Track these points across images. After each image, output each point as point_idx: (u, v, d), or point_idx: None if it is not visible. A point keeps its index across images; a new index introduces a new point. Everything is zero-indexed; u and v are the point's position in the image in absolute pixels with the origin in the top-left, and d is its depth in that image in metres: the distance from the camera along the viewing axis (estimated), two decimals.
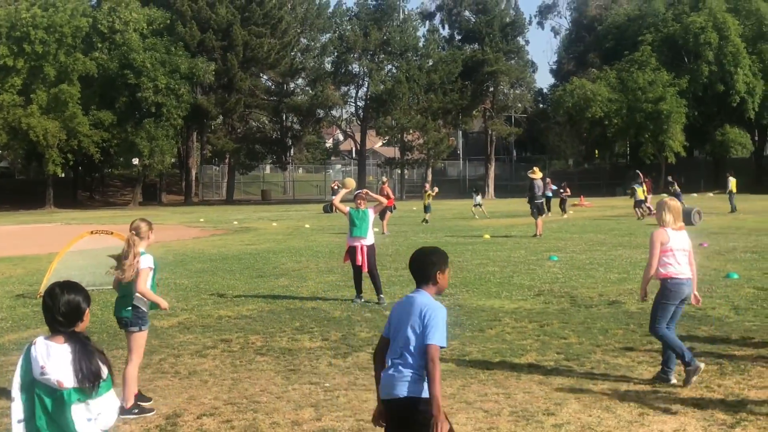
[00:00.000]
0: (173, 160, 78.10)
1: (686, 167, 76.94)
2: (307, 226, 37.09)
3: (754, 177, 75.50)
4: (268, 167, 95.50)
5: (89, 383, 4.09)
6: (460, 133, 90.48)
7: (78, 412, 4.11)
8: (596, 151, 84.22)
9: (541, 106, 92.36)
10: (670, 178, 47.71)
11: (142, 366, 9.70)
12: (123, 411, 8.02)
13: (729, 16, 71.92)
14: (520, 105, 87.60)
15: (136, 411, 8.06)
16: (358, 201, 14.37)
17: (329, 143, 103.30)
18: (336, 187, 56.19)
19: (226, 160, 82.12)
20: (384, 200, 16.04)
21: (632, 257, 20.18)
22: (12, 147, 67.43)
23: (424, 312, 4.98)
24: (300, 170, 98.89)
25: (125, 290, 8.25)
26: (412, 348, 4.94)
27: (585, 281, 15.91)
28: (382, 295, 14.08)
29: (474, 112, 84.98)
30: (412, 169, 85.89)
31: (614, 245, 23.53)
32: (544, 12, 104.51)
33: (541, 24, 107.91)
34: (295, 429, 7.45)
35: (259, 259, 22.09)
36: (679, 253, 8.91)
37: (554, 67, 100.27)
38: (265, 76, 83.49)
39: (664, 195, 41.53)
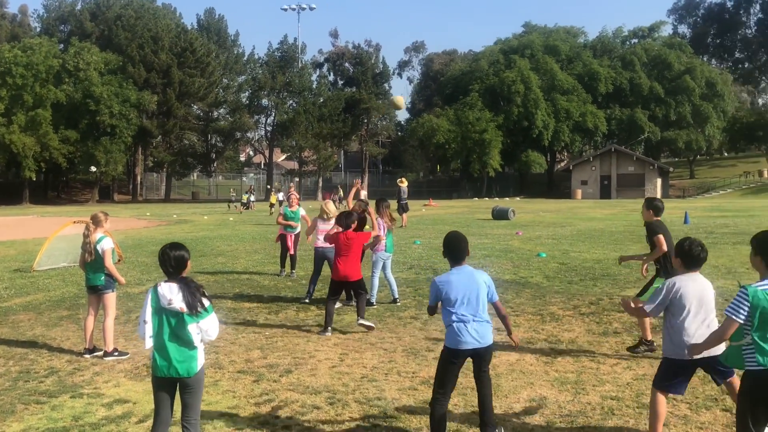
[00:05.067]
0: (123, 168, 75.24)
1: (501, 179, 79.08)
2: (231, 219, 36.48)
3: (546, 187, 78.55)
4: (196, 174, 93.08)
5: (194, 310, 4.50)
6: (342, 151, 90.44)
7: (192, 327, 4.53)
8: (438, 167, 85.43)
9: (400, 134, 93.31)
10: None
11: (122, 321, 9.50)
12: (105, 354, 7.85)
13: (532, 74, 74.03)
14: (385, 133, 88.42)
15: (116, 354, 7.90)
16: (291, 201, 14.40)
17: (243, 157, 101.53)
18: (273, 189, 55.34)
19: (165, 169, 79.66)
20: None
21: (470, 241, 20.60)
22: None
23: (486, 279, 5.29)
24: (220, 177, 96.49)
25: (91, 266, 8.02)
26: (483, 305, 5.16)
27: (442, 257, 16.29)
28: (294, 270, 14.10)
29: (353, 137, 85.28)
30: (307, 177, 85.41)
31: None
32: (402, 66, 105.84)
33: (400, 74, 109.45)
34: (248, 364, 7.47)
35: (198, 243, 21.56)
36: (321, 233, 10.75)
37: (409, 106, 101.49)
38: (195, 106, 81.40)
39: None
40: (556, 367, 7.20)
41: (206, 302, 4.56)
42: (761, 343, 4.20)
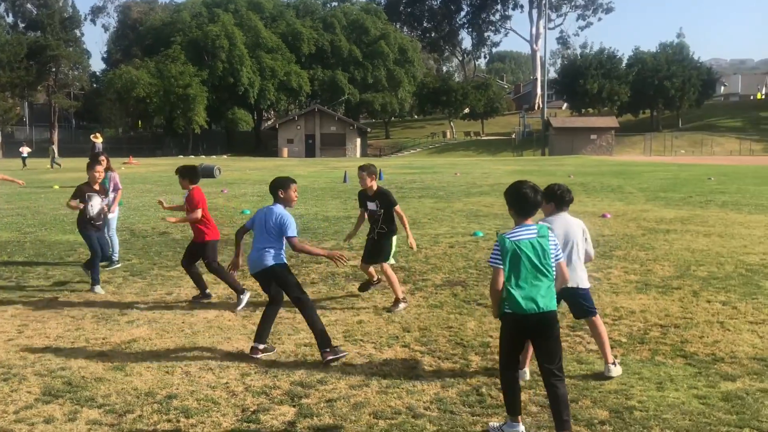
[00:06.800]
0: None
1: (208, 137, 77.76)
2: None
3: (254, 145, 79.02)
4: None
5: None
6: (26, 103, 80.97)
7: None
8: (139, 122, 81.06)
9: (95, 85, 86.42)
10: None
11: None
12: None
13: (236, 29, 73.40)
14: (78, 84, 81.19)
15: None
16: None
17: None
18: None
19: None
20: None
21: (173, 200, 20.04)
22: None
23: (278, 218, 6.00)
24: None
25: None
26: (273, 238, 6.01)
27: (141, 218, 15.60)
28: None
29: (39, 87, 76.88)
30: None
31: (159, 192, 23.20)
32: (95, 12, 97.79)
33: (93, 21, 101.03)
34: None
35: None
36: None
37: (105, 56, 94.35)
38: None
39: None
40: (254, 320, 7.32)
41: None
42: (510, 289, 4.58)
